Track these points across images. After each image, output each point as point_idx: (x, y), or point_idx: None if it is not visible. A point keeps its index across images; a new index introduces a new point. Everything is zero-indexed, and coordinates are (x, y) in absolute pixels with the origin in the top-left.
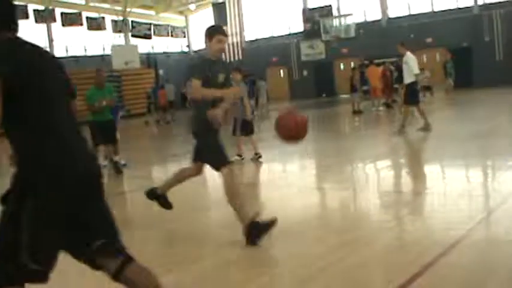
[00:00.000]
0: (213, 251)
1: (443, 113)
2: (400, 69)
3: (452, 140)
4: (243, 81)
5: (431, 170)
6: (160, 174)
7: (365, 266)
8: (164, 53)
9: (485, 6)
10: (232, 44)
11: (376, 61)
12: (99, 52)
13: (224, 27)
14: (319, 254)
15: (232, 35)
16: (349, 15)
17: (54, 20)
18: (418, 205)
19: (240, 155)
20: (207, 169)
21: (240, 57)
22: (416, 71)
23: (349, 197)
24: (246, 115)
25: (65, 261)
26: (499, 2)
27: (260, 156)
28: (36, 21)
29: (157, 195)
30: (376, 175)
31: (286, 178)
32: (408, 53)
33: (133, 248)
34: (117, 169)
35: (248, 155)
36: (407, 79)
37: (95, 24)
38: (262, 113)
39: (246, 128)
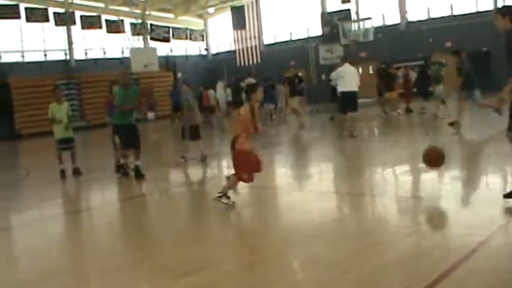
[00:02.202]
0: (231, 255)
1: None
2: (422, 73)
3: (473, 144)
4: (191, 91)
5: (452, 175)
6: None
7: (383, 272)
8: (183, 56)
9: None
10: (251, 48)
11: (396, 65)
12: (118, 55)
13: (242, 31)
14: (337, 259)
15: (250, 38)
16: (368, 19)
17: (74, 23)
18: (437, 210)
19: (184, 157)
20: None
21: (259, 61)
22: None
23: (367, 202)
24: (195, 121)
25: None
26: None
27: (205, 158)
28: (56, 24)
29: None
30: (396, 179)
31: (304, 182)
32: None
33: (147, 251)
34: (139, 173)
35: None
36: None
37: (114, 27)
38: (281, 118)
39: (194, 134)
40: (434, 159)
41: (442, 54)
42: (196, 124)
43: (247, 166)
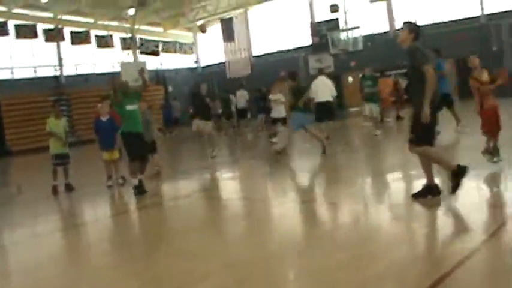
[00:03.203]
0: (221, 268)
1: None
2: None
3: (466, 150)
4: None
5: (443, 181)
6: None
7: (378, 280)
8: (173, 69)
9: (493, 16)
10: (240, 60)
11: (387, 73)
12: (108, 70)
13: (232, 43)
14: (332, 268)
15: (240, 50)
16: (356, 28)
17: (63, 39)
18: (431, 217)
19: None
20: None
21: (249, 72)
22: None
23: (360, 210)
24: (152, 136)
25: None
26: (507, 11)
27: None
28: (46, 40)
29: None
30: (389, 187)
31: (297, 191)
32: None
33: (138, 265)
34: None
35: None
36: None
37: (104, 42)
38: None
39: (152, 148)
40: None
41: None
42: (153, 140)
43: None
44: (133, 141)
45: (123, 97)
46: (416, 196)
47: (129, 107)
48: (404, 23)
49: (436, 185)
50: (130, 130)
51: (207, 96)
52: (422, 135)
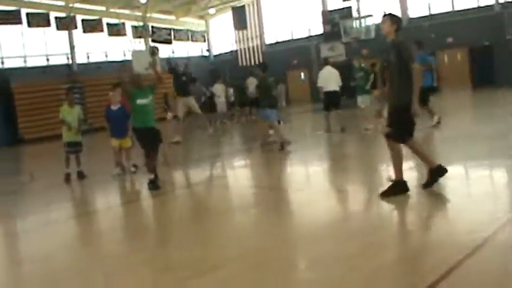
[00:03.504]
0: (235, 256)
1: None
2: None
3: (474, 139)
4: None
5: (454, 171)
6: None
7: (387, 270)
8: (185, 57)
9: (507, 4)
10: (253, 48)
11: None
12: (120, 58)
13: (244, 31)
14: (339, 258)
15: (252, 38)
16: (369, 16)
17: (76, 27)
18: (442, 207)
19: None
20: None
21: (261, 61)
22: None
23: (369, 200)
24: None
25: None
26: None
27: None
28: (58, 29)
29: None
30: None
31: (306, 181)
32: None
33: (151, 253)
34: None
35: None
36: None
37: (115, 30)
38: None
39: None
40: None
41: (443, 49)
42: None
43: None
44: (145, 138)
45: (135, 90)
46: (385, 194)
47: (140, 101)
48: (385, 14)
49: (404, 182)
50: (140, 126)
51: (183, 75)
52: (399, 131)
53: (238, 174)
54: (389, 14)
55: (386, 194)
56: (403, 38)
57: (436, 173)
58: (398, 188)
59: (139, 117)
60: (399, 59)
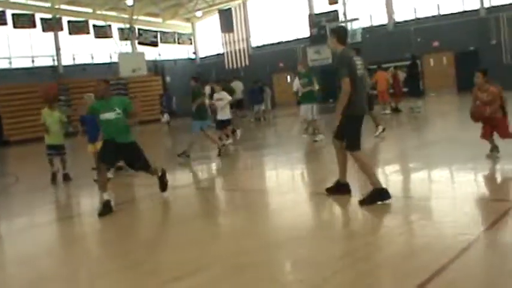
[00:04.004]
0: (221, 258)
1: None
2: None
3: (459, 144)
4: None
5: (441, 175)
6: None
7: (375, 272)
8: (171, 60)
9: (492, 8)
10: (239, 50)
11: (384, 65)
12: (106, 60)
13: (230, 34)
14: (329, 260)
15: (238, 41)
16: (355, 19)
17: (61, 29)
18: (428, 210)
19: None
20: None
21: (247, 64)
22: None
23: (353, 204)
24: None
25: None
26: (506, 5)
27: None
28: (44, 30)
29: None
30: (385, 180)
31: (294, 183)
32: None
33: (141, 254)
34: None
35: None
36: None
37: (102, 32)
38: (267, 119)
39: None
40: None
41: (429, 53)
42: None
43: None
44: (107, 147)
45: (98, 103)
46: (330, 191)
47: (103, 116)
48: (331, 30)
49: (347, 184)
50: (107, 138)
51: None
52: (350, 139)
53: (226, 177)
54: (332, 30)
55: (364, 203)
56: (350, 49)
57: (379, 196)
58: (377, 196)
59: (105, 131)
60: (336, 68)
